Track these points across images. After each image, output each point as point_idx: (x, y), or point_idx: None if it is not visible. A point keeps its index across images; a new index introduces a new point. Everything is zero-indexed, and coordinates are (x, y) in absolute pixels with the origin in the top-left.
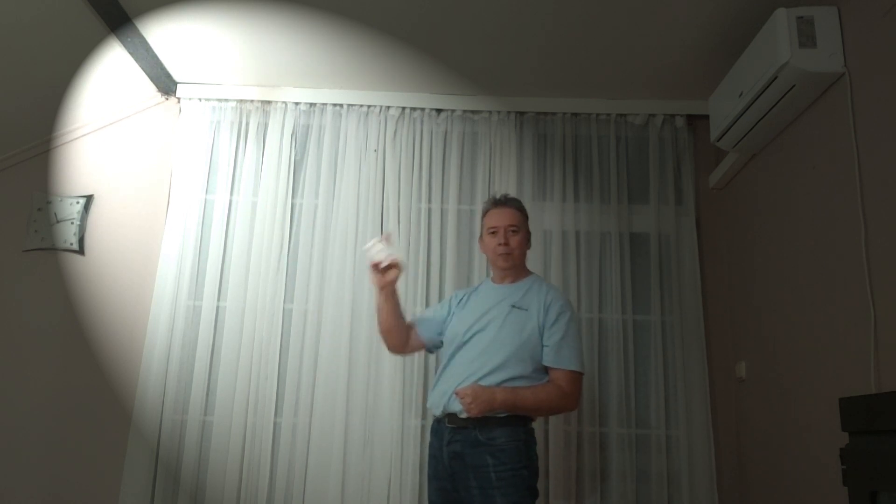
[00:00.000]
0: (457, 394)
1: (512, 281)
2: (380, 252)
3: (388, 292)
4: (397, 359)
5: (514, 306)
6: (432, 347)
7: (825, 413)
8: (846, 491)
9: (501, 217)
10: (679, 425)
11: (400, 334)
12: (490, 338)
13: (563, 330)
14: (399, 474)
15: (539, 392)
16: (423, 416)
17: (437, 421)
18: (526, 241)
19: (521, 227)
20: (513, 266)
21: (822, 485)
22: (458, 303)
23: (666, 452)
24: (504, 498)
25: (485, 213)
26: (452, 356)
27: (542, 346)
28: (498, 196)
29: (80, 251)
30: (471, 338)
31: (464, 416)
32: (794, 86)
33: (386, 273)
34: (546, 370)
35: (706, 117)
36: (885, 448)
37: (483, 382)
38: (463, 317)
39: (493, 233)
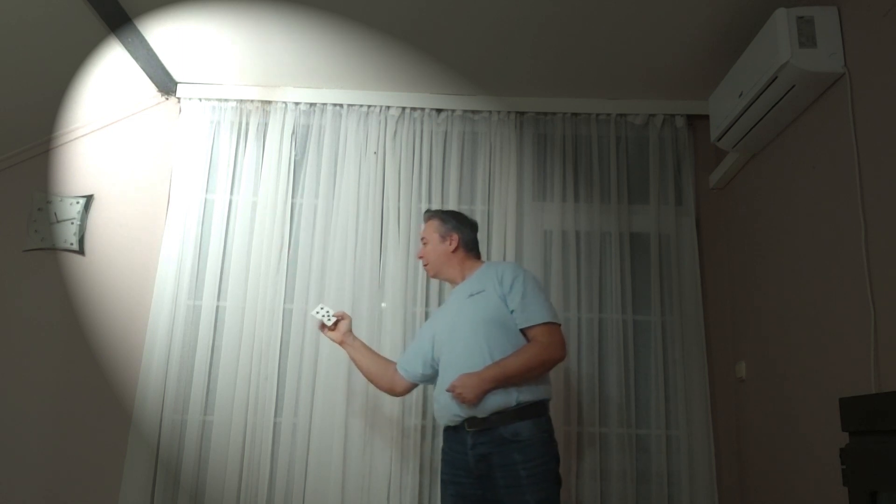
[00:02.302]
0: (448, 391)
1: (463, 278)
2: (322, 315)
3: (349, 344)
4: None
5: (470, 295)
6: (423, 381)
7: (825, 413)
8: (846, 491)
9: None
10: (679, 425)
11: (383, 378)
12: (461, 333)
13: (521, 290)
14: (399, 474)
15: (521, 354)
16: (424, 417)
17: (453, 429)
18: (440, 245)
19: (430, 236)
20: (435, 273)
21: (822, 485)
22: (434, 323)
23: (666, 452)
24: (534, 495)
25: None
26: (442, 367)
27: (510, 312)
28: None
29: (80, 251)
30: (445, 345)
31: (482, 416)
32: (794, 86)
33: (336, 328)
34: (525, 334)
35: (706, 117)
36: (885, 448)
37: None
38: (441, 331)
39: None
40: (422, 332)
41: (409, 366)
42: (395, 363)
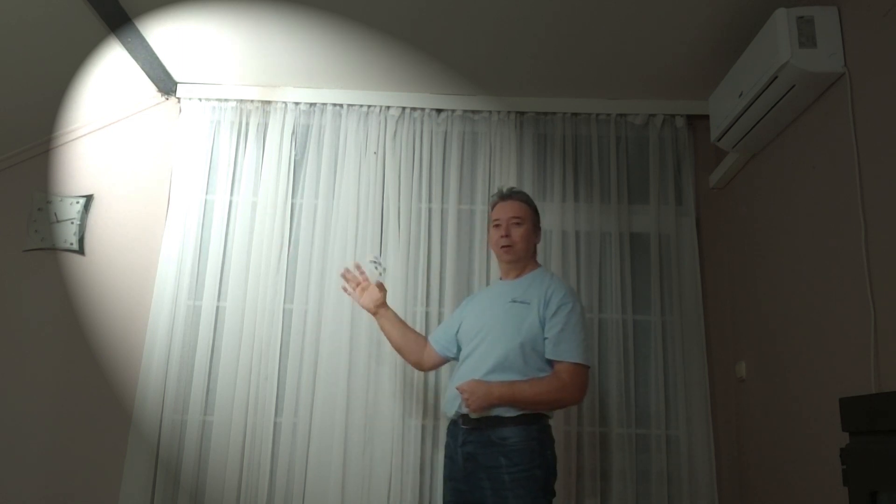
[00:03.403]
0: (457, 389)
1: (517, 276)
2: (378, 268)
3: (381, 315)
4: (397, 359)
5: (514, 301)
6: (455, 357)
7: (825, 413)
8: (846, 491)
9: (504, 210)
10: (679, 425)
11: (413, 350)
12: (490, 335)
13: (563, 321)
14: (399, 474)
15: (537, 385)
16: (424, 416)
17: (453, 423)
18: (532, 234)
19: (526, 220)
20: (516, 259)
21: (822, 485)
22: (469, 306)
23: (666, 452)
24: (517, 500)
25: (492, 207)
26: (461, 358)
27: (543, 338)
28: (504, 190)
29: (80, 251)
30: (475, 338)
31: (475, 416)
32: (794, 86)
33: (368, 294)
34: (551, 363)
35: (706, 117)
36: (885, 448)
37: (483, 379)
38: (471, 319)
39: (496, 226)
40: (458, 310)
41: (442, 339)
42: (425, 337)
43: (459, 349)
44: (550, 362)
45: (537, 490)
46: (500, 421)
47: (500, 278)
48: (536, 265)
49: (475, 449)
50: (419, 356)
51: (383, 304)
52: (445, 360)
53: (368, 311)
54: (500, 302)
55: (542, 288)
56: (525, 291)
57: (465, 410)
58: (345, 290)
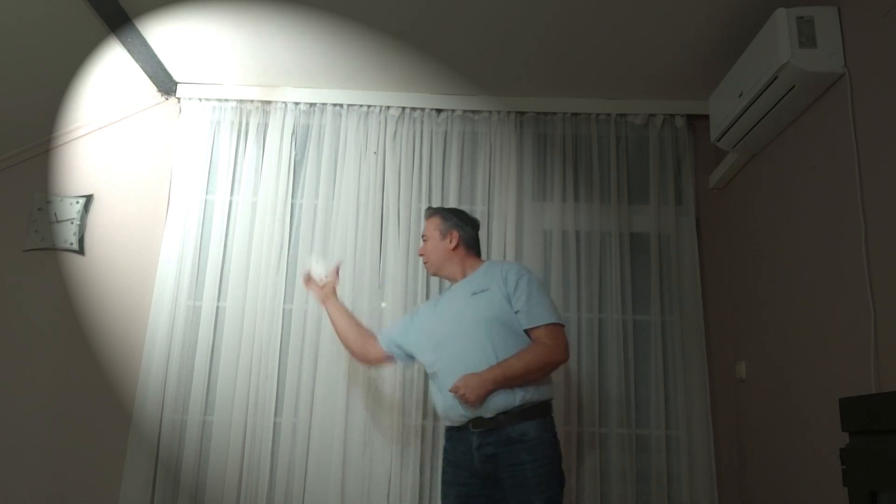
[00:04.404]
0: (451, 392)
1: (463, 276)
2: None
3: (331, 304)
4: None
5: (474, 293)
6: (398, 358)
7: (825, 413)
8: (846, 491)
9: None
10: (679, 425)
11: (356, 343)
12: (464, 333)
13: (526, 291)
14: (399, 474)
15: (524, 355)
16: (424, 417)
17: (457, 429)
18: (441, 242)
19: (431, 233)
20: (434, 270)
21: (822, 485)
22: (428, 310)
23: (666, 452)
24: (540, 495)
25: None
26: (437, 364)
27: (515, 312)
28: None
29: (80, 251)
30: (447, 342)
31: (488, 416)
32: (794, 86)
33: (322, 286)
34: (528, 334)
35: (706, 117)
36: (885, 448)
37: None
38: (432, 324)
39: None
40: (413, 315)
41: (387, 335)
42: (372, 332)
43: (403, 353)
44: (527, 332)
45: (557, 480)
46: (512, 415)
47: (449, 286)
48: (480, 261)
49: (495, 449)
50: (363, 347)
51: (333, 293)
52: (388, 358)
53: (319, 300)
54: (460, 299)
55: (495, 272)
56: (480, 282)
57: (471, 414)
58: (305, 283)
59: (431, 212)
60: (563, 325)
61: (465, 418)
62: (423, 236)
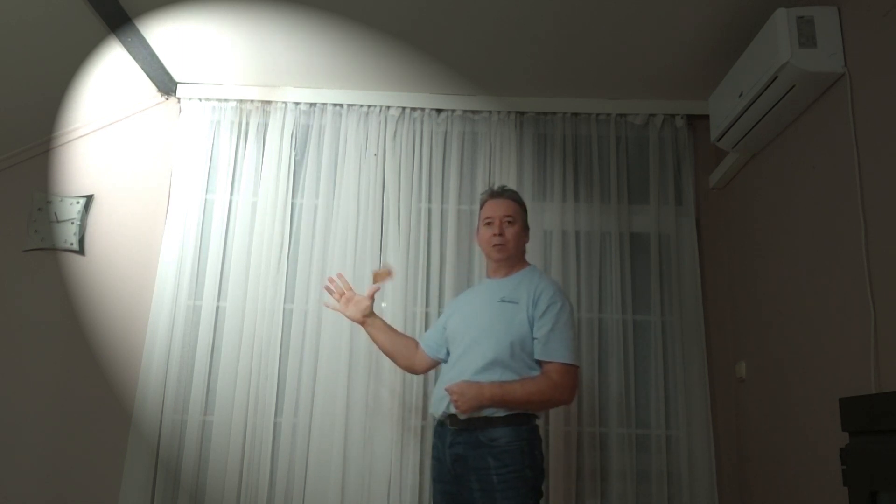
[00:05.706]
0: (446, 391)
1: (505, 274)
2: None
3: (369, 324)
4: None
5: (503, 300)
6: (445, 360)
7: (825, 413)
8: (846, 491)
9: (497, 208)
10: (679, 425)
11: (402, 355)
12: (479, 335)
13: (552, 321)
14: (399, 474)
15: (528, 385)
16: (424, 417)
17: (440, 423)
18: (523, 234)
19: (518, 219)
20: (507, 258)
21: (822, 485)
22: (455, 306)
23: (666, 452)
24: (506, 501)
25: (482, 204)
26: (449, 359)
27: (532, 338)
28: (495, 187)
29: (80, 251)
30: (464, 338)
31: (463, 417)
32: (794, 86)
33: (353, 307)
34: (539, 363)
35: (706, 117)
36: (885, 448)
37: (473, 380)
38: (459, 319)
39: (488, 223)
40: (445, 310)
41: (431, 341)
42: (415, 340)
43: (447, 353)
44: (539, 362)
45: (526, 491)
46: (489, 422)
47: (488, 276)
48: (526, 264)
49: (464, 450)
50: (411, 360)
51: (371, 313)
52: (437, 363)
53: (356, 321)
54: (489, 301)
55: (531, 287)
56: (514, 290)
57: (452, 411)
58: (327, 305)
59: (515, 195)
60: (577, 367)
61: (444, 414)
62: (508, 217)
